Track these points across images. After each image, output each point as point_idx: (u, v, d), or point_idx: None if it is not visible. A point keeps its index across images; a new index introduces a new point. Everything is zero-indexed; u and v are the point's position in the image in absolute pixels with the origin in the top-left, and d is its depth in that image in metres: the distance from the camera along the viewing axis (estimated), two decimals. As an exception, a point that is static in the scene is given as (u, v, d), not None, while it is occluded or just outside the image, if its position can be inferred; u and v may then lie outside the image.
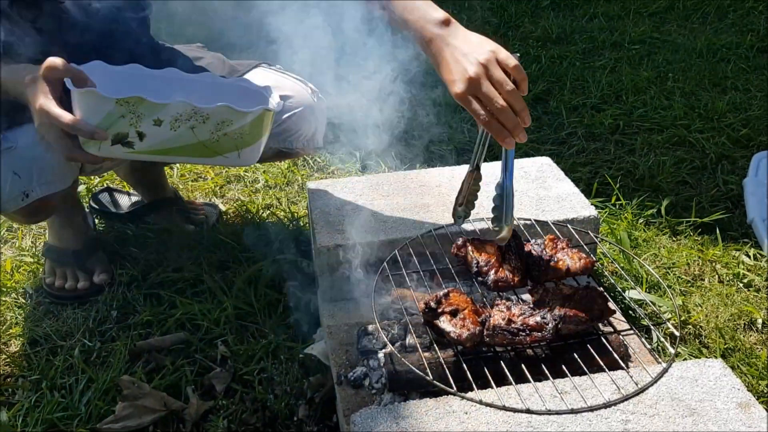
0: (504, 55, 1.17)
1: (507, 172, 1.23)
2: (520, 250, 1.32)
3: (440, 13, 1.24)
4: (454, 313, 1.19)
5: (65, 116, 1.17)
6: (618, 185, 2.16)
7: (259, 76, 1.66)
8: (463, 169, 1.73)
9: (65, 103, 1.20)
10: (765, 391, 1.43)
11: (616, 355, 1.18)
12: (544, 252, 1.33)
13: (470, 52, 1.18)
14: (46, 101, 1.18)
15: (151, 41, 1.67)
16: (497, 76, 1.16)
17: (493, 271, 1.28)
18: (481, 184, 1.36)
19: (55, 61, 1.20)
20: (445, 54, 1.21)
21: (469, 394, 1.09)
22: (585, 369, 1.13)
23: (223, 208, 2.10)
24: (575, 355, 1.17)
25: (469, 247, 1.34)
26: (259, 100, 1.39)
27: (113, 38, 1.52)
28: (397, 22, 1.26)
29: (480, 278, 1.30)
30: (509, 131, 1.17)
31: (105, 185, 2.13)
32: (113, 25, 1.51)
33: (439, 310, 1.20)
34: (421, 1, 1.26)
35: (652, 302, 1.61)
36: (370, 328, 1.37)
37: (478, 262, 1.30)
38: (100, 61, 1.35)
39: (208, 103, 1.23)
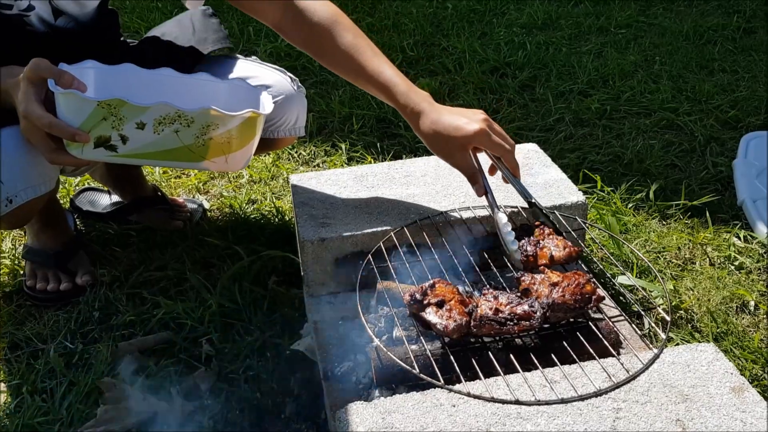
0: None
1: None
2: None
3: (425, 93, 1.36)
4: (440, 305, 1.16)
5: (46, 117, 1.16)
6: (606, 170, 2.14)
7: (236, 67, 1.63)
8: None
9: (51, 104, 1.18)
10: (759, 374, 1.41)
11: (606, 342, 1.16)
12: (531, 238, 1.31)
13: (467, 111, 1.33)
14: (29, 103, 1.16)
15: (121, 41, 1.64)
16: (498, 127, 1.33)
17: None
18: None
19: (39, 62, 1.18)
20: (443, 114, 1.33)
21: (457, 387, 1.06)
22: (575, 357, 1.11)
23: (206, 204, 2.06)
24: (565, 343, 1.15)
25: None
26: (252, 101, 1.36)
27: (80, 38, 1.48)
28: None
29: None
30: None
31: (86, 185, 2.10)
32: (79, 27, 1.47)
33: (425, 302, 1.17)
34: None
35: (642, 287, 1.59)
36: (356, 322, 1.34)
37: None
38: (93, 60, 1.33)
39: (200, 103, 1.20)
